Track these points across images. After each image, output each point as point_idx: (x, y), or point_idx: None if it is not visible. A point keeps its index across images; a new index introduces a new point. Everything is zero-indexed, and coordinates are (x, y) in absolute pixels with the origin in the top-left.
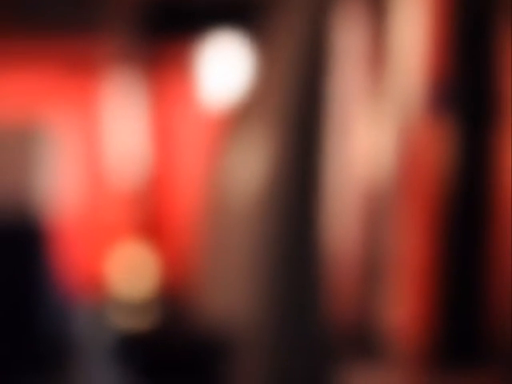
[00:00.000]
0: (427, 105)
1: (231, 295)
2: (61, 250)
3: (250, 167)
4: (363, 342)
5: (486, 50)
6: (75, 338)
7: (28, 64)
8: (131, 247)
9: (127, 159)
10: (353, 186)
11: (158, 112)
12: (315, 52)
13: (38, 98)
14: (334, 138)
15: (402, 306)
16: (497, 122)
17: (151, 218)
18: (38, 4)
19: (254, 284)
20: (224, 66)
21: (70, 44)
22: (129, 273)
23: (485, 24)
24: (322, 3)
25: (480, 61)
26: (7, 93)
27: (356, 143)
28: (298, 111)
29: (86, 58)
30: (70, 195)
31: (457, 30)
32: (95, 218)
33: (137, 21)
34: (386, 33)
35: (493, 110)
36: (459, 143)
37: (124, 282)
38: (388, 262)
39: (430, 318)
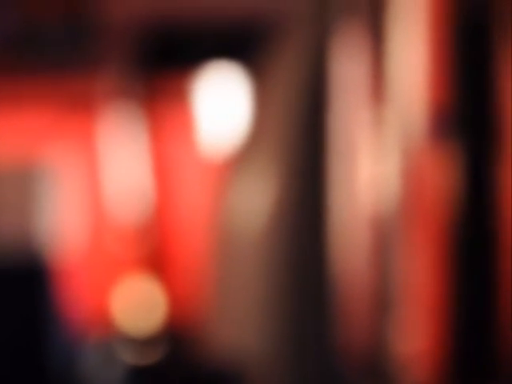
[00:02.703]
0: (429, 131)
1: (240, 328)
2: (66, 286)
3: (255, 201)
4: (376, 371)
5: (487, 76)
6: (83, 372)
7: (26, 103)
8: (136, 282)
9: (129, 194)
10: (359, 216)
11: (159, 146)
12: (315, 84)
13: (38, 137)
14: (337, 169)
15: (415, 334)
16: (500, 146)
17: (156, 253)
18: (35, 44)
19: (264, 317)
20: (223, 101)
21: (68, 82)
22: (135, 307)
23: (486, 50)
24: (321, 36)
25: (481, 86)
26: (7, 133)
27: (360, 173)
28: (300, 144)
29: (84, 95)
30: (74, 232)
31: (457, 56)
32: (99, 255)
33: (134, 57)
34: (385, 62)
35: (495, 135)
36: (463, 169)
37: (130, 316)
38: (398, 289)
39: (444, 345)
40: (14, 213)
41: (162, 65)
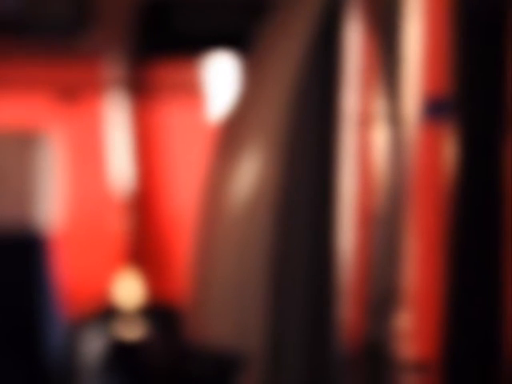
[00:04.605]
0: (431, 115)
1: (231, 310)
2: (59, 259)
3: (252, 183)
4: (373, 368)
5: (492, 57)
6: (73, 346)
7: (27, 86)
8: (126, 260)
9: (122, 175)
10: (359, 200)
11: (152, 129)
12: (318, 61)
13: (37, 114)
14: (336, 151)
15: (413, 332)
16: (503, 132)
17: (146, 232)
18: (35, 26)
19: (254, 301)
20: (220, 86)
21: (68, 66)
22: (125, 282)
23: (492, 33)
24: (325, 15)
25: (486, 68)
26: (8, 111)
27: (359, 156)
28: (301, 123)
29: (83, 79)
30: (66, 206)
31: (462, 36)
32: (91, 229)
33: (131, 41)
34: (389, 41)
35: (498, 117)
36: (465, 151)
37: (121, 291)
38: (398, 286)
39: (443, 344)
40: (11, 185)
41: (160, 51)
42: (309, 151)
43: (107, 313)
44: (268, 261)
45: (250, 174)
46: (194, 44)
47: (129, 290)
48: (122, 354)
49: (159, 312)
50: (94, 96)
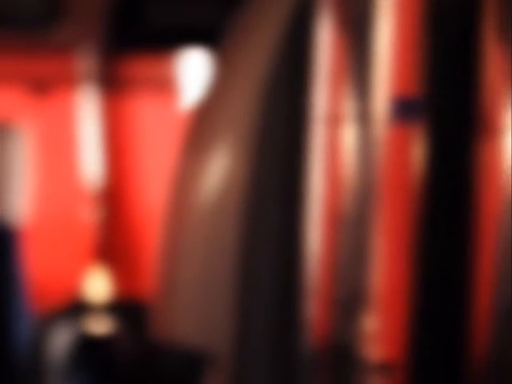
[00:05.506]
0: (401, 115)
1: (197, 310)
2: (27, 253)
3: (218, 178)
4: (339, 369)
5: (463, 61)
6: (41, 343)
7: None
8: (96, 254)
9: (93, 169)
10: (325, 203)
11: (124, 123)
12: (289, 59)
13: (8, 109)
14: (305, 149)
15: (380, 332)
16: (473, 133)
17: (116, 226)
18: (6, 24)
19: (222, 301)
20: (193, 81)
21: (40, 59)
22: (93, 275)
23: (463, 35)
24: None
25: (457, 72)
26: None
27: (329, 155)
28: (272, 119)
29: (55, 72)
30: (36, 202)
31: (433, 39)
32: (60, 226)
33: (105, 35)
34: (358, 43)
35: (469, 121)
36: (435, 155)
37: (88, 288)
38: (366, 287)
39: (410, 345)
40: None
41: (132, 46)
42: (278, 148)
43: (76, 307)
44: (235, 258)
45: (218, 169)
46: (166, 38)
47: (98, 284)
48: (89, 349)
49: (128, 307)
50: (66, 89)
